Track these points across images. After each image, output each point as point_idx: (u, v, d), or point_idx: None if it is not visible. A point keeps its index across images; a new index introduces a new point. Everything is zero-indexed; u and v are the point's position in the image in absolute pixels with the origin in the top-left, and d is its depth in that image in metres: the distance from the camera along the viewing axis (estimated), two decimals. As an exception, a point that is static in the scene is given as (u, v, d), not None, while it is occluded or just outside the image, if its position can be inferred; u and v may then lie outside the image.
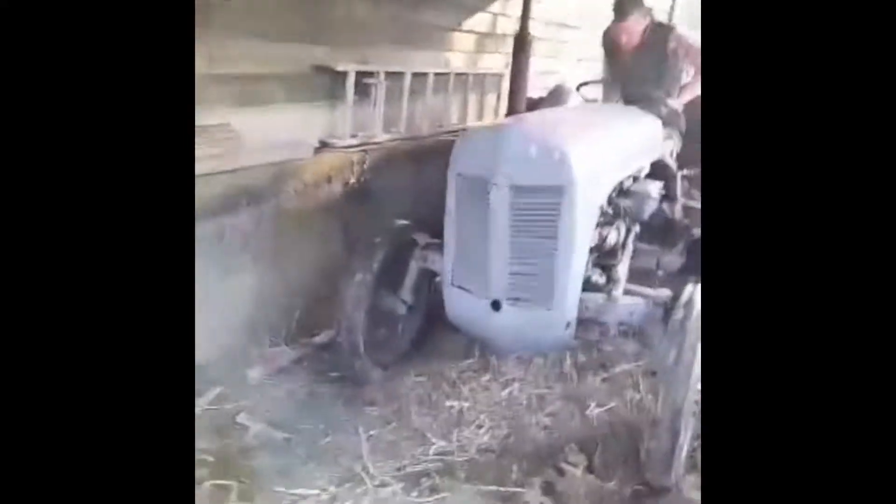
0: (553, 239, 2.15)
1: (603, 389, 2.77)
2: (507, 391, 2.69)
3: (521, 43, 3.89)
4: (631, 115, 3.01)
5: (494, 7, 4.14)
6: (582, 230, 2.21)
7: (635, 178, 2.96)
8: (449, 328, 2.56)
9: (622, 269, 2.64)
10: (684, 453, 2.17)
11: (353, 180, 3.04)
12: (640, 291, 2.37)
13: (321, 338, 2.82)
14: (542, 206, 2.13)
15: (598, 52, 3.76)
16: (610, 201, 2.65)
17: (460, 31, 3.98)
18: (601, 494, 2.12)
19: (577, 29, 5.41)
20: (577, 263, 2.21)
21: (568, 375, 2.84)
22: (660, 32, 3.45)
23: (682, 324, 2.06)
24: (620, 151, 2.52)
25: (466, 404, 2.57)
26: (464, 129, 2.95)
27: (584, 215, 2.22)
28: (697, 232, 3.32)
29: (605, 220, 2.69)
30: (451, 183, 2.27)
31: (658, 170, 3.14)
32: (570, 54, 5.51)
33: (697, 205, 3.38)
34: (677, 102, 3.43)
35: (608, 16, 3.43)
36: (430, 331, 2.87)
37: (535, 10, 4.80)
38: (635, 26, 3.39)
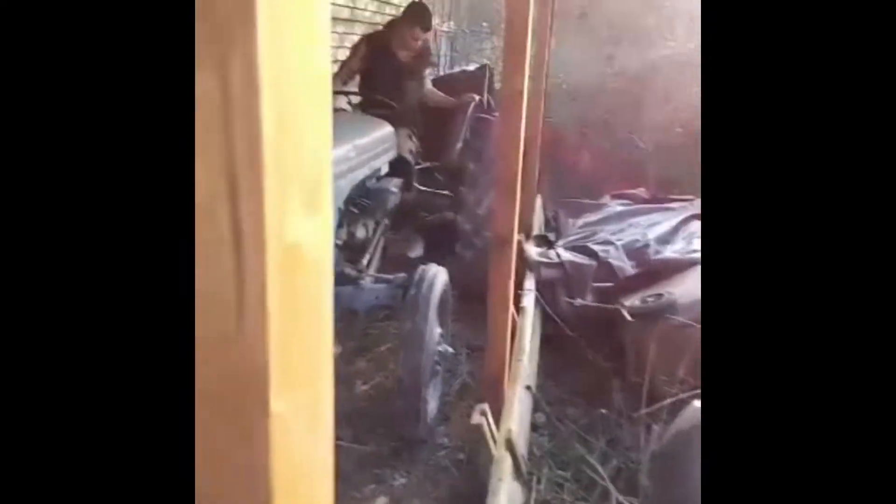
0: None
1: (369, 368, 3.09)
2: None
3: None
4: (361, 124, 3.31)
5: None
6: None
7: (378, 178, 3.30)
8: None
9: (368, 261, 2.97)
10: (430, 407, 2.55)
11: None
12: (384, 278, 2.70)
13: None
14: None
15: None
16: (353, 202, 2.95)
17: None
18: (359, 456, 2.42)
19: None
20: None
21: (337, 360, 3.11)
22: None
23: (414, 298, 2.42)
24: (350, 158, 2.80)
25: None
26: None
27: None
28: (431, 217, 3.80)
29: (352, 220, 2.99)
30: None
31: (400, 166, 3.53)
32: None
33: (432, 190, 3.84)
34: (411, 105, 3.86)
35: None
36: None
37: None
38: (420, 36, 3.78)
